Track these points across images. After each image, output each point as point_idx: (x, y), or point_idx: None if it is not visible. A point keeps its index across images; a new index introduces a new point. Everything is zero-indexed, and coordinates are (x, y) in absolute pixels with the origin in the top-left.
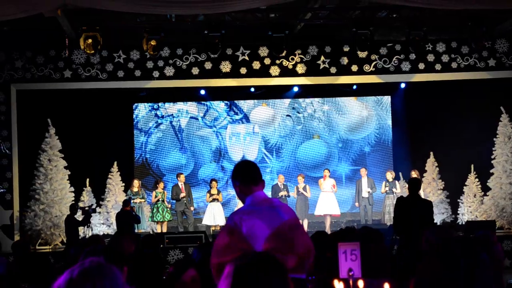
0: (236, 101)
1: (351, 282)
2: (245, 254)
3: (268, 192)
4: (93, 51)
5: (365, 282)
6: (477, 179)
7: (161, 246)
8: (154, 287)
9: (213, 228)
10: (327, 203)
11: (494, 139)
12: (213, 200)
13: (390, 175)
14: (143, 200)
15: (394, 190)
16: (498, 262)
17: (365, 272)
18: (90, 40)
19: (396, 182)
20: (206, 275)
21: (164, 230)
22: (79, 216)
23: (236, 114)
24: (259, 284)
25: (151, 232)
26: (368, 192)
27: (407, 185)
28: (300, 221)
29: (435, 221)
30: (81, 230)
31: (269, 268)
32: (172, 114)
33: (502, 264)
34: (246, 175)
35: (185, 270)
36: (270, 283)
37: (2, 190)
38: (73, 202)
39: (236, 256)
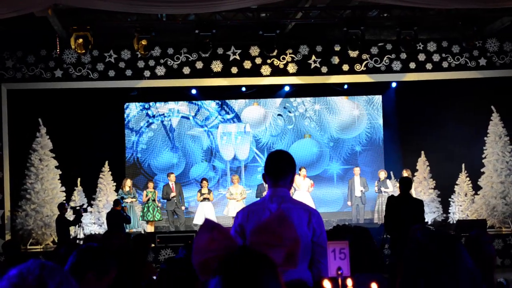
0: (227, 101)
1: (340, 281)
2: (230, 251)
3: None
4: (84, 51)
5: (354, 281)
6: (468, 178)
7: (153, 245)
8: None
9: None
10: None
11: (485, 138)
12: (204, 199)
13: (383, 174)
14: (134, 199)
15: (382, 189)
16: (490, 261)
17: (355, 271)
18: (81, 40)
19: (387, 181)
20: (193, 272)
21: (153, 229)
22: (70, 215)
23: (228, 113)
24: (248, 279)
25: (143, 232)
26: (361, 191)
27: (398, 184)
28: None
29: (426, 220)
30: (72, 230)
31: (255, 262)
32: (163, 114)
33: (493, 263)
34: (266, 168)
35: (179, 267)
36: (258, 278)
37: None
38: (63, 201)
39: (221, 254)
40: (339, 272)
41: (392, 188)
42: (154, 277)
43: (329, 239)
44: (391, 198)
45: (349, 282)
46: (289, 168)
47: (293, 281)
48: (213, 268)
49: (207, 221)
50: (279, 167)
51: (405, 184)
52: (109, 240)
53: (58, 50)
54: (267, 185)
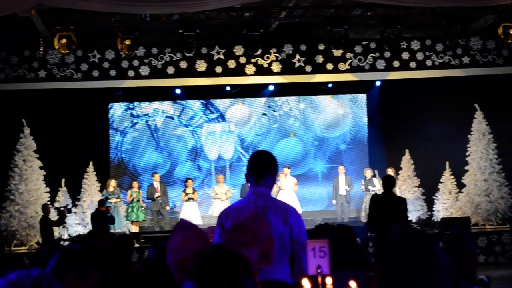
0: (211, 100)
1: (319, 279)
2: (205, 250)
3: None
4: (67, 51)
5: (334, 279)
6: (452, 176)
7: (138, 246)
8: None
9: None
10: (288, 202)
11: (469, 136)
12: (189, 199)
13: (369, 173)
14: (119, 200)
15: (369, 187)
16: (472, 259)
17: (338, 269)
18: (64, 40)
19: (374, 179)
20: (163, 271)
21: (137, 229)
22: (54, 216)
23: (212, 113)
24: (223, 277)
25: (127, 232)
26: (346, 189)
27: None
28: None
29: (410, 218)
30: (57, 231)
31: (230, 260)
32: (148, 114)
33: (475, 261)
34: (249, 167)
35: (149, 267)
36: (232, 276)
37: None
38: (47, 202)
39: (194, 253)
40: (319, 270)
41: (379, 186)
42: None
43: (311, 238)
44: (374, 197)
45: (329, 280)
46: (271, 168)
47: (272, 282)
48: (188, 268)
49: (182, 221)
50: (261, 167)
51: (388, 182)
52: (93, 241)
53: (41, 51)
54: (249, 185)
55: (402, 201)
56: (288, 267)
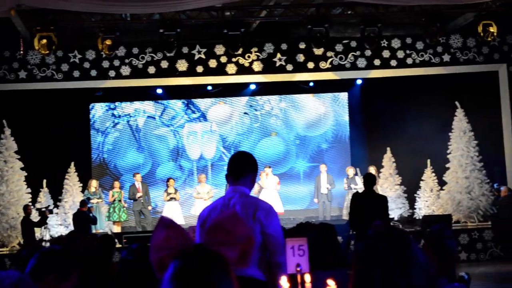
0: (193, 100)
1: (299, 277)
2: (183, 249)
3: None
4: (47, 52)
5: (313, 277)
6: (433, 174)
7: (120, 246)
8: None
9: None
10: (270, 201)
11: (450, 133)
12: (171, 199)
13: (351, 171)
14: (100, 200)
15: (352, 186)
16: (452, 256)
17: (318, 268)
18: (44, 41)
19: (356, 177)
20: (141, 271)
21: (120, 230)
22: (36, 217)
23: (194, 112)
24: (201, 277)
25: (110, 232)
26: (327, 188)
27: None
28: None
29: (392, 216)
30: (38, 232)
31: (208, 260)
32: (129, 114)
33: (455, 258)
34: (228, 168)
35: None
36: (211, 276)
37: None
38: (29, 203)
39: (175, 251)
40: (298, 269)
41: (361, 184)
42: None
43: (292, 237)
44: (355, 195)
45: (307, 278)
46: (250, 168)
47: (243, 278)
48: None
49: (164, 219)
50: (240, 167)
51: (369, 180)
52: (74, 241)
53: (22, 51)
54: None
55: (383, 199)
56: (258, 266)
